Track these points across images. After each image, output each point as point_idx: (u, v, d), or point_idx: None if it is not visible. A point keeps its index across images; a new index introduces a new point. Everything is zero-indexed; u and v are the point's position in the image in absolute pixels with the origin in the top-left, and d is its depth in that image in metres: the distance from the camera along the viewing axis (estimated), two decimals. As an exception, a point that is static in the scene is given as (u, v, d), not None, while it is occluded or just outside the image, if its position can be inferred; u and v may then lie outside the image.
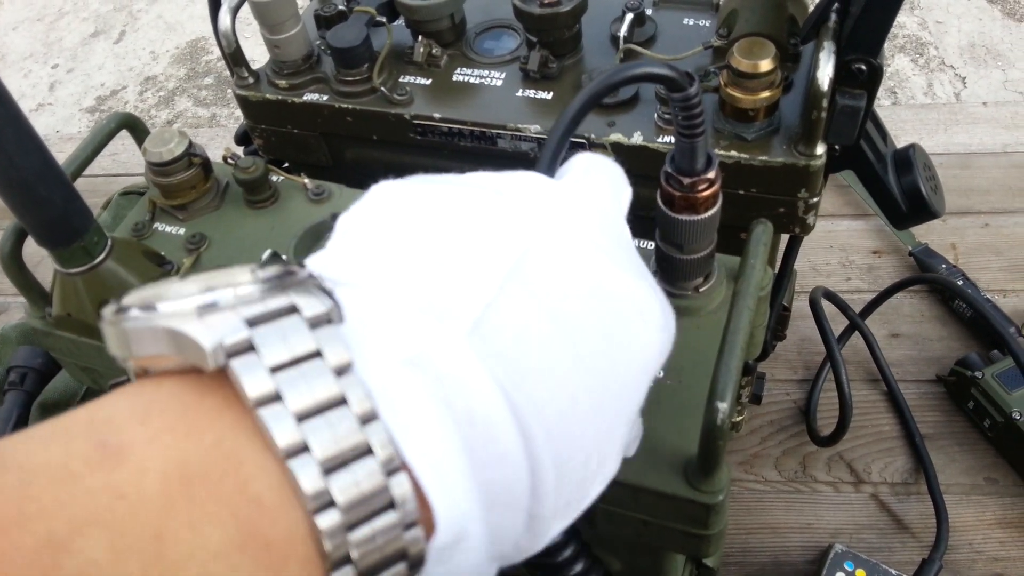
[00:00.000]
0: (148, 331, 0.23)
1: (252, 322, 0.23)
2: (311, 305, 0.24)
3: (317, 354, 0.23)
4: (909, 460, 0.86)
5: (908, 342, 0.95)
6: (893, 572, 0.70)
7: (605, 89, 0.37)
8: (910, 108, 1.37)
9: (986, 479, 0.84)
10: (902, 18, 1.52)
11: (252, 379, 0.22)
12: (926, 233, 1.04)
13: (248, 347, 0.22)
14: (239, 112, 1.70)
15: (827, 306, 0.87)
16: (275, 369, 0.23)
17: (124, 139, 1.30)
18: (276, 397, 0.22)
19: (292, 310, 0.23)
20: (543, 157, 0.36)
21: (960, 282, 0.94)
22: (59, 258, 0.49)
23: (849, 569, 0.70)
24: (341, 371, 0.23)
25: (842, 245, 1.06)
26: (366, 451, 0.23)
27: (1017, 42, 1.41)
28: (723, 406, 0.38)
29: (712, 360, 0.47)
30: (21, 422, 0.95)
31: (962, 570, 0.78)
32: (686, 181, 0.42)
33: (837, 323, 0.89)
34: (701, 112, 0.40)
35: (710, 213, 0.44)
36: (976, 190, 1.10)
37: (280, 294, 0.24)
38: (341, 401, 0.23)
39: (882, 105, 1.35)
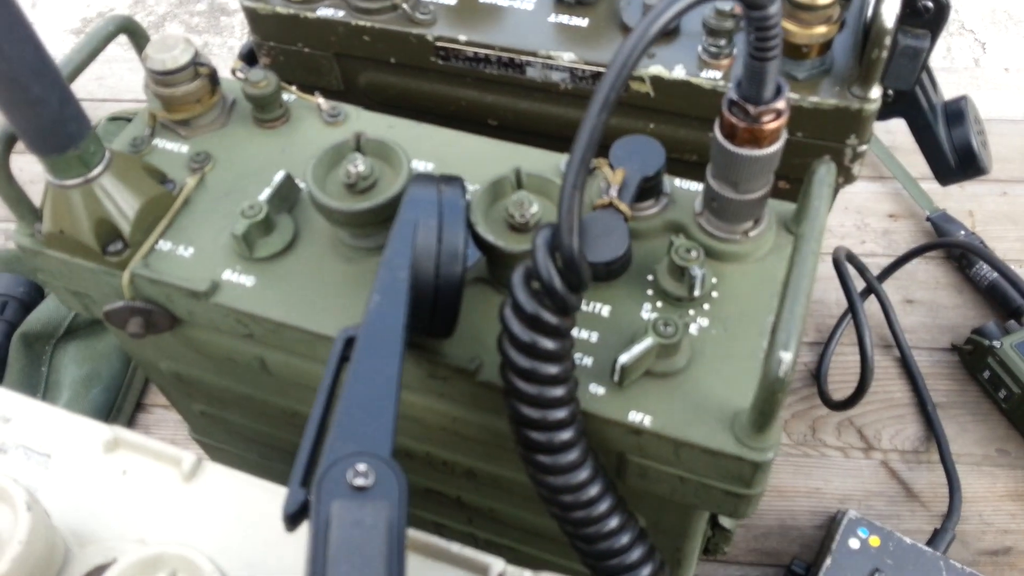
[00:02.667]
0: None
1: None
2: None
3: None
4: (920, 428, 0.84)
5: (922, 309, 0.93)
6: (907, 540, 0.68)
7: (678, 12, 0.33)
8: (929, 71, 1.33)
9: (998, 450, 0.82)
10: (923, -21, 1.46)
11: None
12: (943, 199, 1.01)
13: None
14: (232, 41, 1.62)
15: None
16: None
17: (111, 62, 1.23)
18: None
19: None
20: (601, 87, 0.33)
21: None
22: (52, 168, 0.44)
23: (863, 535, 0.68)
24: None
25: (858, 207, 1.03)
26: None
27: (1041, 8, 1.38)
28: (787, 356, 0.35)
29: (760, 309, 0.44)
30: (1, 352, 0.91)
31: (971, 541, 0.76)
32: (752, 110, 0.39)
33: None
34: (778, 33, 0.36)
35: (773, 148, 0.40)
36: (995, 158, 1.05)
37: None
38: None
39: (901, 67, 1.32)
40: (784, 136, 0.41)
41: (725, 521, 0.63)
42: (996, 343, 0.82)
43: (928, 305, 0.93)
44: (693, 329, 0.43)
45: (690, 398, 0.41)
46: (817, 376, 0.87)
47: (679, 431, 0.40)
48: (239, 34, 1.60)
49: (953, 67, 1.31)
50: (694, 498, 0.43)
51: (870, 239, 1.00)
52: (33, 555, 0.35)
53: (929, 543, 0.71)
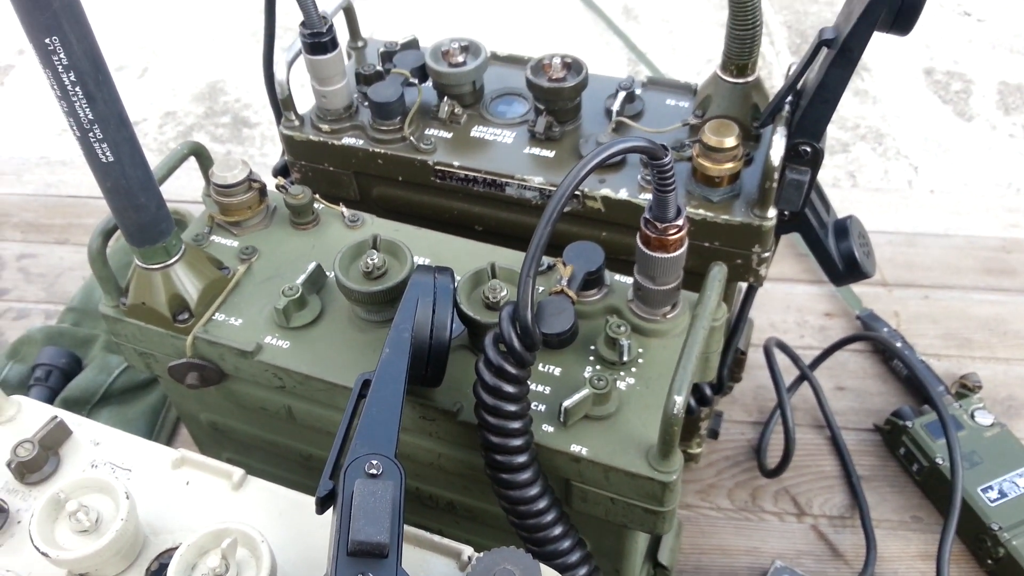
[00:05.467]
0: None
1: None
2: None
3: None
4: (846, 497, 0.96)
5: (851, 394, 1.07)
6: (823, 586, 0.80)
7: (603, 159, 0.49)
8: (867, 191, 1.51)
9: (912, 517, 0.94)
10: (865, 111, 1.68)
11: None
12: (873, 300, 1.17)
13: None
14: (252, 151, 1.81)
15: (781, 358, 0.99)
16: None
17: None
18: None
19: None
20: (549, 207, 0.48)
21: (899, 344, 1.06)
22: (142, 256, 0.59)
23: (786, 582, 0.80)
24: None
25: (799, 306, 1.18)
26: None
27: (964, 139, 1.58)
28: (679, 399, 0.49)
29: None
30: (44, 415, 1.03)
31: (886, 594, 0.88)
32: (660, 226, 0.54)
33: (790, 375, 1.01)
34: (673, 175, 0.52)
35: (678, 253, 0.55)
36: (919, 266, 1.23)
37: None
38: None
39: (842, 186, 1.50)
40: (686, 244, 0.56)
41: (664, 558, 0.75)
42: (909, 423, 0.96)
43: (856, 391, 1.07)
44: (622, 385, 0.57)
45: (617, 435, 0.54)
46: (758, 451, 1.00)
47: (608, 459, 0.53)
48: (259, 143, 1.79)
49: (888, 188, 1.49)
50: (623, 517, 0.56)
51: (808, 334, 1.15)
52: (128, 532, 0.47)
53: (846, 592, 0.82)
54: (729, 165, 0.68)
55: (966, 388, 1.00)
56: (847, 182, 1.52)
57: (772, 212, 0.68)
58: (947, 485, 0.87)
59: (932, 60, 1.78)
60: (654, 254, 0.55)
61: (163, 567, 0.49)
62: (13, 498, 0.53)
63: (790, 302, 1.19)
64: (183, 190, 1.25)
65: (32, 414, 0.58)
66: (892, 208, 1.35)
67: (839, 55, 0.61)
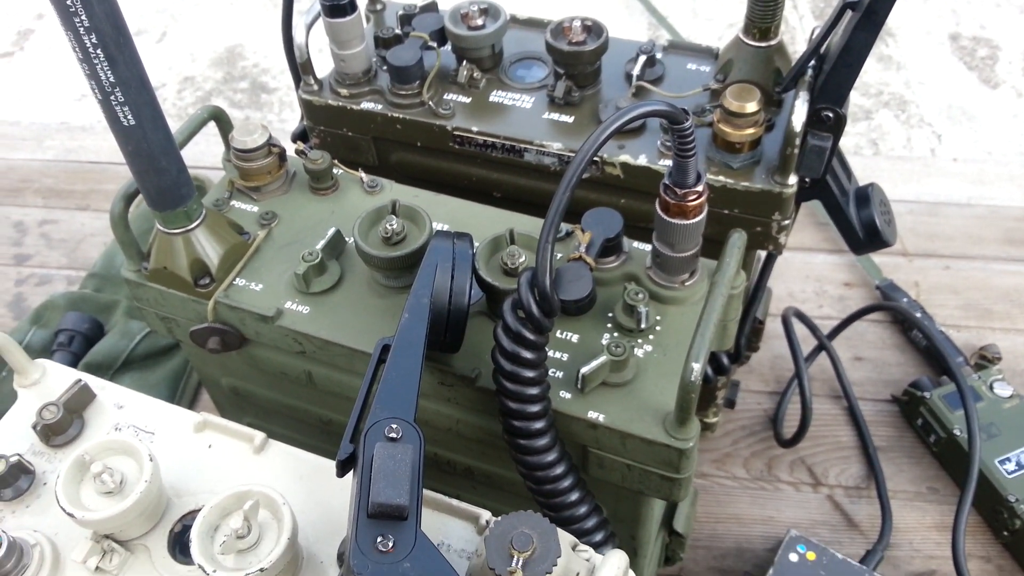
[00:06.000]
0: None
1: None
2: None
3: None
4: (862, 468, 0.96)
5: (869, 365, 1.06)
6: (839, 555, 0.80)
7: (623, 123, 0.48)
8: (889, 159, 1.49)
9: (928, 488, 0.94)
10: (888, 77, 1.65)
11: None
12: (893, 270, 1.16)
13: None
14: (271, 116, 1.81)
15: (799, 327, 0.98)
16: None
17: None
18: None
19: None
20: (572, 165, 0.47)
21: (918, 314, 1.05)
22: (164, 220, 0.59)
23: (801, 551, 0.80)
24: None
25: (818, 276, 1.17)
26: None
27: (990, 107, 1.55)
28: (696, 366, 0.49)
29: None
30: (67, 379, 1.04)
31: (901, 564, 0.88)
32: (679, 192, 0.53)
33: (808, 344, 1.01)
34: (694, 140, 0.51)
35: (697, 219, 0.55)
36: (941, 236, 1.22)
37: None
38: None
39: (864, 154, 1.47)
40: (705, 210, 0.55)
41: (679, 526, 0.75)
42: (927, 394, 0.96)
43: (875, 362, 1.06)
44: (639, 353, 0.57)
45: (634, 403, 0.54)
46: (774, 421, 1.00)
47: (625, 426, 0.53)
48: (277, 109, 1.78)
49: (911, 156, 1.47)
50: (639, 484, 0.56)
51: (827, 304, 1.14)
52: (151, 494, 0.48)
53: (861, 562, 0.82)
54: (750, 131, 0.67)
55: (985, 359, 0.99)
56: (869, 150, 1.50)
57: (793, 179, 0.67)
58: (964, 456, 0.86)
59: (958, 25, 1.75)
60: (673, 220, 0.55)
61: (186, 528, 0.50)
62: (39, 460, 0.54)
63: (809, 271, 1.18)
64: (202, 156, 1.25)
65: (56, 377, 0.58)
66: (914, 177, 1.34)
67: (864, 18, 0.59)
